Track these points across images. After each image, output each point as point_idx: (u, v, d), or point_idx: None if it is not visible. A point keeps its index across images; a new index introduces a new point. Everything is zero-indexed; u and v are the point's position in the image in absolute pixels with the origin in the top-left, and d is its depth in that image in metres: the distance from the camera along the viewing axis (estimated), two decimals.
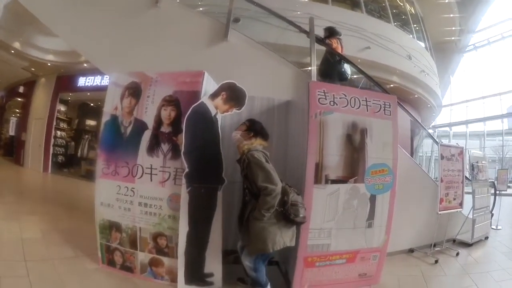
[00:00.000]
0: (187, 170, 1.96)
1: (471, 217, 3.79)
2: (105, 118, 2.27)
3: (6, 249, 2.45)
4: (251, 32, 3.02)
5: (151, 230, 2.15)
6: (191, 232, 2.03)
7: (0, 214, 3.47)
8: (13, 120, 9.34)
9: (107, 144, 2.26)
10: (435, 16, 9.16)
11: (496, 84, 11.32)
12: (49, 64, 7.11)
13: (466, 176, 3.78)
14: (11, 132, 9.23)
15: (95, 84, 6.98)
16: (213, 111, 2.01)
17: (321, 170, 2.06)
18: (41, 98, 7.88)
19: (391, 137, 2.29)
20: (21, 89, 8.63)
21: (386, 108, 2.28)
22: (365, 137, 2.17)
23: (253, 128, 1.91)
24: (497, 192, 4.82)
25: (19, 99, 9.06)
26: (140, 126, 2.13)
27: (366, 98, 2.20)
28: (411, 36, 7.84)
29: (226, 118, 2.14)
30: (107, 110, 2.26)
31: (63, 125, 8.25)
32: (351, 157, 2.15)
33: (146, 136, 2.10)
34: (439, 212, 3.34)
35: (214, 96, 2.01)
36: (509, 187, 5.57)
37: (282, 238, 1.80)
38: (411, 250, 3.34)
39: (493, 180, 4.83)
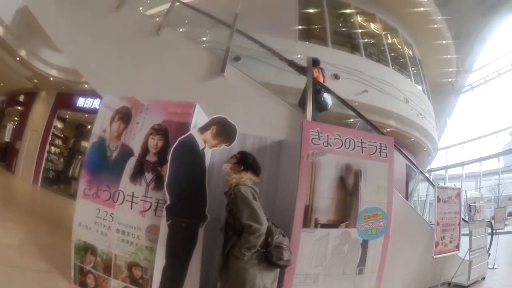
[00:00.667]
0: (168, 202, 1.79)
1: (468, 259, 3.52)
2: (92, 139, 2.13)
3: None
4: (250, 71, 2.90)
5: (127, 259, 1.97)
6: (168, 267, 1.84)
7: None
8: (9, 127, 9.08)
9: (91, 166, 2.11)
10: (432, 58, 8.96)
11: (492, 122, 11.03)
12: (51, 79, 6.98)
13: (462, 218, 3.54)
14: (7, 138, 8.95)
15: (93, 106, 6.75)
16: (201, 144, 1.86)
17: (310, 213, 1.88)
18: (39, 111, 7.72)
19: (387, 180, 2.11)
20: (21, 98, 8.45)
21: (382, 150, 2.11)
22: (359, 180, 1.99)
23: (244, 161, 1.75)
24: (494, 231, 4.54)
25: (19, 108, 8.87)
26: (126, 152, 1.98)
27: (361, 139, 2.03)
28: (408, 79, 7.69)
29: (215, 153, 2.00)
30: (96, 132, 2.12)
31: (58, 141, 8.01)
32: (344, 200, 1.96)
33: (131, 163, 1.95)
34: (434, 256, 3.08)
35: (203, 129, 1.86)
36: (506, 224, 5.29)
37: (262, 280, 1.62)
38: None
39: (490, 220, 4.56)
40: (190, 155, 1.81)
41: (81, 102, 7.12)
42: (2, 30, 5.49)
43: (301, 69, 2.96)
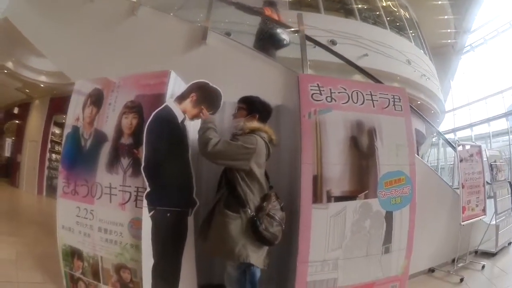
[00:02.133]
0: (148, 189, 1.34)
1: (494, 223, 2.93)
2: (66, 130, 1.71)
3: None
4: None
5: (113, 261, 1.55)
6: (157, 265, 1.40)
7: None
8: (8, 142, 8.36)
9: (68, 160, 1.69)
10: (429, 19, 8.10)
11: (497, 82, 10.11)
12: (42, 85, 6.34)
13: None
14: (7, 153, 8.28)
15: None
16: (180, 116, 1.41)
17: (320, 184, 1.40)
18: (35, 120, 7.12)
19: (405, 137, 1.60)
20: (16, 110, 7.83)
21: (396, 103, 1.61)
22: (374, 139, 1.50)
23: (255, 108, 1.39)
24: None
25: (16, 121, 8.21)
26: (99, 138, 1.55)
27: (371, 92, 1.55)
28: (408, 41, 7.07)
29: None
30: (69, 122, 1.70)
31: (58, 148, 7.22)
32: (359, 165, 1.48)
33: (106, 149, 1.52)
34: (463, 223, 2.52)
35: (181, 98, 1.42)
36: None
37: (245, 250, 1.22)
38: (431, 270, 2.54)
39: (509, 181, 3.90)
40: (168, 130, 1.36)
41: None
42: None
43: (250, 10, 2.52)
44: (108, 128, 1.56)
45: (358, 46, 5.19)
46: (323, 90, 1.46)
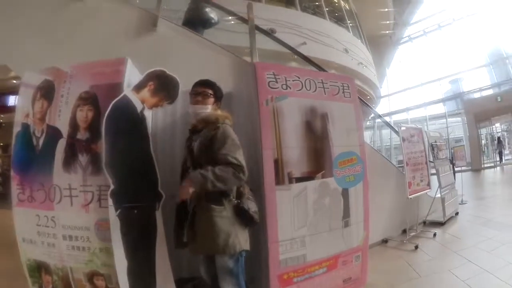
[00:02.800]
0: (112, 186, 1.25)
1: (439, 196, 3.29)
2: (16, 128, 1.51)
3: None
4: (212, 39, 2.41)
5: (84, 270, 1.40)
6: (132, 267, 1.31)
7: None
8: None
9: (19, 162, 1.50)
10: (369, 11, 8.57)
11: (433, 71, 11.30)
12: None
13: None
14: None
15: None
16: (139, 106, 1.34)
17: (282, 167, 1.43)
18: None
19: (355, 121, 1.72)
20: None
21: (345, 90, 1.72)
22: (326, 123, 1.58)
23: (219, 94, 1.32)
24: (456, 168, 4.38)
25: None
26: (53, 135, 1.39)
27: (322, 80, 1.62)
28: (346, 31, 7.29)
29: (158, 114, 1.49)
30: (18, 119, 1.50)
31: None
32: (315, 147, 1.54)
33: (61, 146, 1.37)
34: (410, 197, 2.79)
35: (139, 87, 1.34)
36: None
37: (237, 238, 1.19)
38: (384, 241, 2.75)
39: (449, 159, 4.43)
40: (128, 121, 1.28)
41: (14, 100, 5.61)
42: None
43: None
44: (62, 123, 1.40)
45: (297, 35, 5.25)
46: (279, 78, 1.48)
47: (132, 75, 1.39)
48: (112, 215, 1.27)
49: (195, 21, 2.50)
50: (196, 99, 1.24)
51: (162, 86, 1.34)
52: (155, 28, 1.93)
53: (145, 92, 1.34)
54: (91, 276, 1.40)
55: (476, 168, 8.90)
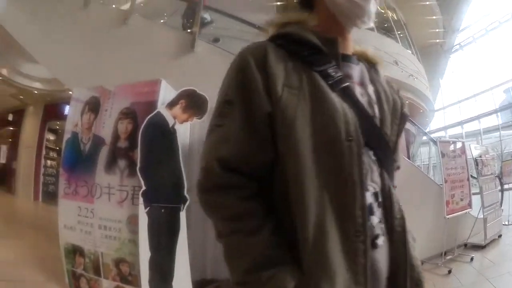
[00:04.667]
0: (144, 188, 1.62)
1: (482, 216, 3.23)
2: (66, 135, 2.00)
3: None
4: (232, 51, 2.78)
5: (113, 256, 1.81)
6: (153, 258, 1.67)
7: None
8: (3, 148, 8.61)
9: (68, 163, 1.97)
10: (418, 20, 8.57)
11: (486, 80, 10.58)
12: (36, 92, 6.72)
13: (471, 175, 3.26)
14: (2, 160, 8.51)
15: None
16: (170, 121, 1.69)
17: None
18: (30, 127, 7.50)
19: None
20: (10, 117, 8.21)
21: None
22: None
23: None
24: (504, 185, 4.18)
25: (10, 128, 8.58)
26: (98, 142, 1.83)
27: None
28: (395, 42, 7.41)
29: (195, 128, 1.83)
30: (68, 128, 1.99)
31: (53, 154, 7.75)
32: None
33: (104, 152, 1.80)
34: (447, 216, 2.82)
35: (172, 105, 1.70)
36: None
37: None
38: (421, 262, 2.80)
39: (498, 175, 4.21)
40: (160, 133, 1.64)
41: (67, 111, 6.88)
42: None
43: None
44: (106, 132, 1.84)
45: None
46: None
47: (167, 93, 1.76)
48: (142, 212, 1.64)
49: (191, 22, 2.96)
50: None
51: (192, 103, 1.68)
52: (193, 49, 2.31)
53: (177, 109, 1.69)
54: (118, 263, 1.79)
55: None
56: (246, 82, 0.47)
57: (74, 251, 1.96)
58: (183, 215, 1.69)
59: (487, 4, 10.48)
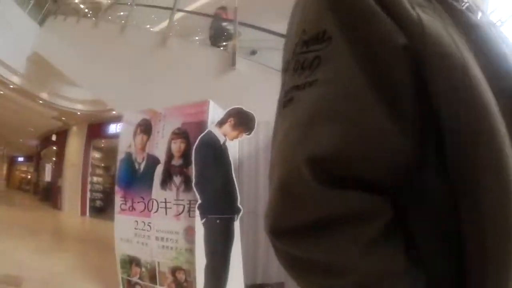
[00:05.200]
0: (200, 201, 1.85)
1: None
2: (120, 156, 2.26)
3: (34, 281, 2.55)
4: (269, 63, 2.98)
5: (169, 265, 2.04)
6: (209, 265, 1.88)
7: (34, 249, 3.61)
8: (48, 167, 9.68)
9: (123, 181, 2.23)
10: None
11: None
12: (78, 113, 7.43)
13: None
14: (47, 178, 9.56)
15: None
16: (221, 138, 1.92)
17: None
18: (74, 146, 8.27)
19: None
20: (54, 137, 9.06)
21: None
22: None
23: None
24: None
25: (53, 147, 9.51)
26: (152, 161, 2.08)
27: None
28: None
29: (243, 145, 2.05)
30: (122, 149, 2.26)
31: (99, 171, 8.57)
32: None
33: (159, 170, 2.04)
34: None
35: (221, 123, 1.92)
36: None
37: None
38: None
39: None
40: (213, 151, 1.87)
41: (113, 128, 7.27)
42: (18, 79, 5.91)
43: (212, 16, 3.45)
44: (159, 152, 2.09)
45: None
46: None
47: (215, 112, 1.99)
48: (198, 223, 1.86)
49: (218, 37, 3.31)
50: None
51: (241, 121, 1.90)
52: (234, 67, 2.55)
53: (227, 127, 1.91)
54: (174, 271, 2.01)
55: None
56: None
57: (130, 262, 2.21)
58: (236, 224, 1.90)
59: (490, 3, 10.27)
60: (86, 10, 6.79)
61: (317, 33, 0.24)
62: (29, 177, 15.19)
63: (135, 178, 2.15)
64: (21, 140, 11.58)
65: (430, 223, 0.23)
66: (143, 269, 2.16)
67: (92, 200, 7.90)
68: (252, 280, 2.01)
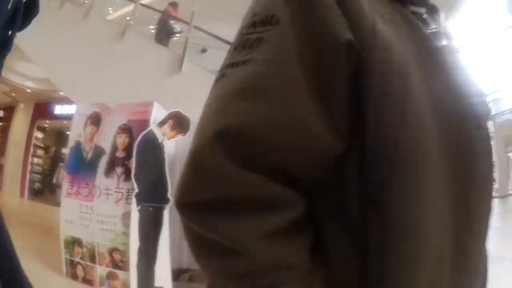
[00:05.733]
0: (136, 190, 2.18)
1: None
2: (70, 144, 2.56)
3: None
4: (219, 61, 3.34)
5: (108, 246, 2.36)
6: (141, 248, 2.23)
7: None
8: None
9: (71, 168, 2.52)
10: None
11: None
12: (28, 91, 7.36)
13: None
14: None
15: (71, 112, 7.18)
16: (160, 137, 2.25)
17: None
18: (19, 123, 8.15)
19: None
20: (1, 113, 8.81)
21: None
22: None
23: None
24: None
25: (1, 123, 9.22)
26: (99, 152, 2.39)
27: None
28: None
29: (179, 143, 2.40)
30: (72, 137, 2.55)
31: (40, 152, 8.47)
32: None
33: (104, 160, 2.35)
34: None
35: (162, 123, 2.26)
36: None
37: None
38: None
39: None
40: (151, 147, 2.21)
41: (59, 110, 7.47)
42: None
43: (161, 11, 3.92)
44: (105, 144, 2.39)
45: None
46: None
47: (158, 113, 2.32)
48: (134, 209, 2.19)
49: (163, 33, 3.68)
50: None
51: (179, 123, 2.24)
52: (181, 69, 2.88)
53: (166, 128, 2.25)
54: (112, 251, 2.34)
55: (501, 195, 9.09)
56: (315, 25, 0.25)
57: (73, 242, 2.51)
58: (166, 213, 2.26)
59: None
60: None
61: (266, 16, 0.25)
62: None
63: (82, 166, 2.45)
64: None
65: (342, 233, 0.23)
66: (84, 249, 2.46)
67: (31, 181, 7.80)
68: (178, 265, 2.37)
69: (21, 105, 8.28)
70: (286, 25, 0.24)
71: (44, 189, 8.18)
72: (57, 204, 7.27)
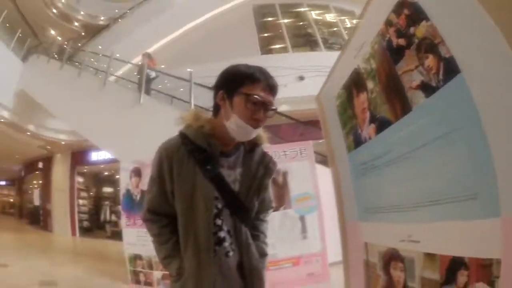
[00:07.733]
0: None
1: None
2: (122, 191, 4.20)
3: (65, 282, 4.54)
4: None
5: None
6: None
7: (51, 263, 5.68)
8: (36, 192, 12.19)
9: (126, 208, 4.17)
10: None
11: None
12: (63, 143, 9.64)
13: None
14: (36, 202, 12.03)
15: (105, 157, 9.52)
16: None
17: None
18: (60, 172, 10.66)
19: (309, 172, 3.95)
20: (40, 165, 11.52)
21: (302, 152, 3.96)
22: (286, 177, 3.85)
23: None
24: None
25: (38, 173, 12.02)
26: (144, 194, 4.03)
27: (284, 151, 3.90)
28: None
29: None
30: (123, 187, 4.20)
31: (83, 194, 11.00)
32: (277, 193, 3.83)
33: None
34: None
35: None
36: None
37: None
38: None
39: None
40: None
41: (94, 156, 10.10)
42: (7, 113, 7.82)
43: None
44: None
45: (325, 76, 7.29)
46: None
47: None
48: None
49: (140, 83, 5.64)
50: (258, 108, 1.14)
51: None
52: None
53: None
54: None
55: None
56: (160, 170, 1.20)
57: (135, 258, 4.17)
58: None
59: None
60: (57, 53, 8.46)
61: (154, 176, 1.27)
62: (11, 200, 17.49)
63: (134, 205, 4.09)
64: (4, 166, 13.69)
65: (178, 224, 1.25)
66: (144, 261, 4.12)
67: (80, 221, 10.26)
68: None
69: (58, 155, 10.70)
70: (156, 180, 1.26)
71: (92, 226, 10.54)
72: (107, 237, 9.52)
